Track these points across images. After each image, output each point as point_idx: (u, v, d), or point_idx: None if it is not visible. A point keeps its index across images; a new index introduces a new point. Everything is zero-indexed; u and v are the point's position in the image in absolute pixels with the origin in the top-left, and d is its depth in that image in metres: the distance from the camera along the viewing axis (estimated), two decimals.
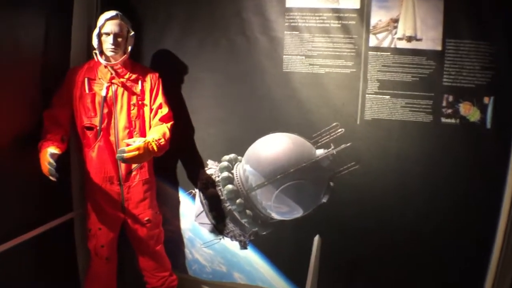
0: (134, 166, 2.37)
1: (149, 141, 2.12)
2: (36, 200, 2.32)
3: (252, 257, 2.62)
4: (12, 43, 2.09)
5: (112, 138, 2.30)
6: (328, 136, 2.29)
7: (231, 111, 2.49)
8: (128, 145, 2.12)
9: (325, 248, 2.43)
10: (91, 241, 2.44)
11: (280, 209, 2.38)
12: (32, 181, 2.10)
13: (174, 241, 2.78)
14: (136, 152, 2.03)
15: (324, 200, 2.34)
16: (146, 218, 2.43)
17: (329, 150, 2.28)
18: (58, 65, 2.42)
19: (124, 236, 2.59)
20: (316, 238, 2.40)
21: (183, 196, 2.72)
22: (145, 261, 2.56)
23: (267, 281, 2.62)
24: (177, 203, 2.74)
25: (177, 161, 2.69)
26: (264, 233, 2.51)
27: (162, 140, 2.20)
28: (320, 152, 2.30)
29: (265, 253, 2.58)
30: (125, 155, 2.01)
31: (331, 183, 2.33)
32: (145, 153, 2.08)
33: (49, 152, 2.02)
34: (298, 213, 2.38)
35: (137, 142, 2.10)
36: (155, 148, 2.13)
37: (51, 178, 2.01)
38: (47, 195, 2.37)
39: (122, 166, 2.35)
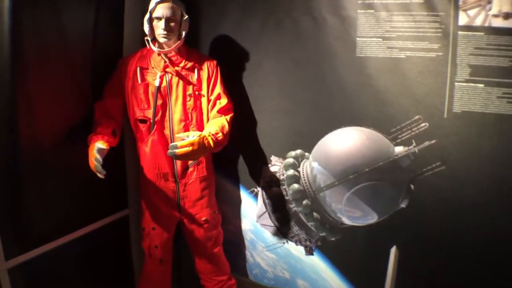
0: (190, 162, 2.31)
1: (204, 136, 2.03)
2: (90, 195, 2.33)
3: (318, 265, 2.50)
4: (60, 30, 2.07)
5: (166, 131, 2.25)
6: (409, 132, 2.08)
7: (298, 101, 2.36)
8: (181, 140, 2.03)
9: (403, 260, 2.23)
10: (145, 240, 2.42)
11: (351, 214, 2.23)
12: (86, 176, 2.05)
13: (235, 242, 2.73)
14: (190, 148, 1.94)
15: (403, 205, 2.15)
16: (204, 218, 2.38)
17: (410, 147, 2.08)
18: (110, 54, 2.40)
19: (181, 236, 2.56)
20: (393, 250, 2.21)
21: (244, 195, 2.63)
22: (202, 264, 2.52)
23: None
24: (238, 201, 2.67)
25: (238, 157, 2.61)
26: (333, 239, 2.38)
27: (220, 134, 2.10)
28: (399, 149, 2.11)
29: (333, 262, 2.45)
30: (177, 151, 1.92)
31: (412, 186, 2.12)
32: (200, 149, 1.98)
33: (97, 147, 2.00)
34: (372, 218, 2.22)
35: (191, 136, 2.00)
36: (211, 143, 2.03)
37: (98, 175, 1.97)
38: (102, 191, 2.38)
39: (178, 162, 2.29)
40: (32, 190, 2.03)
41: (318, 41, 2.26)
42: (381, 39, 2.10)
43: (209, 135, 2.05)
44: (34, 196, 2.05)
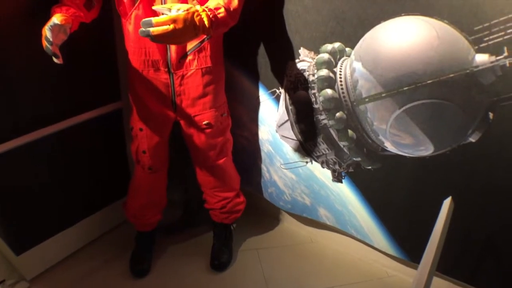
0: (190, 47, 1.78)
1: (196, 11, 1.44)
2: (73, 82, 2.01)
3: (347, 195, 2.07)
4: None
5: (157, 2, 1.68)
6: (501, 34, 1.41)
7: None
8: (161, 15, 1.49)
9: (458, 218, 1.69)
10: (133, 143, 2.04)
11: (398, 139, 1.72)
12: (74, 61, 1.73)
13: (249, 152, 2.34)
14: (170, 26, 1.37)
15: (473, 139, 1.58)
16: (205, 122, 1.93)
17: (498, 58, 1.43)
18: None
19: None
20: (447, 202, 1.66)
21: (264, 96, 2.14)
22: (203, 176, 2.15)
23: (362, 231, 2.09)
24: (256, 104, 2.19)
25: (258, 46, 2.06)
26: (370, 167, 1.90)
27: (222, 10, 1.53)
28: (482, 58, 1.46)
29: (365, 196, 2.01)
30: (152, 29, 1.35)
31: (490, 115, 1.53)
32: (186, 28, 1.41)
33: (51, 23, 1.49)
34: (426, 150, 1.69)
35: (174, 10, 1.44)
36: (206, 22, 1.46)
37: (54, 60, 1.50)
38: (88, 77, 2.07)
39: (172, 47, 1.77)
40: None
41: None
42: None
43: (203, 11, 1.47)
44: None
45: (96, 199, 2.40)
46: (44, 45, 1.49)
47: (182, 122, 1.96)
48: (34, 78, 1.86)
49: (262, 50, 2.04)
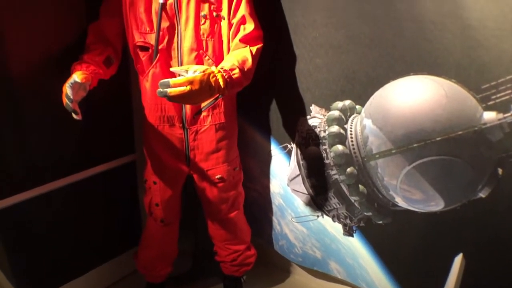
0: (204, 104, 1.82)
1: (212, 72, 1.49)
2: (90, 135, 2.06)
3: (358, 249, 2.04)
4: None
5: (173, 63, 1.76)
6: (509, 92, 1.44)
7: (352, 33, 1.75)
8: (178, 76, 1.53)
9: (470, 274, 1.68)
10: (146, 195, 2.05)
11: (409, 194, 1.71)
12: (91, 114, 1.76)
13: (261, 205, 2.34)
14: (187, 88, 1.40)
15: (483, 194, 1.57)
16: (218, 176, 1.94)
17: (506, 115, 1.46)
18: None
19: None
20: (458, 259, 1.66)
21: (276, 150, 2.16)
22: (215, 229, 2.14)
23: (373, 285, 2.05)
24: (267, 157, 2.21)
25: (271, 102, 2.10)
26: (381, 222, 1.89)
27: (237, 71, 1.57)
28: (490, 116, 1.49)
29: (376, 250, 1.98)
30: (170, 90, 1.39)
31: (499, 170, 1.53)
32: (203, 89, 1.45)
33: (72, 80, 1.56)
34: (437, 205, 1.68)
35: (191, 72, 1.48)
36: (221, 82, 1.50)
37: (73, 116, 1.56)
38: (104, 131, 2.12)
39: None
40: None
41: None
42: None
43: (219, 72, 1.51)
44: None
45: (107, 249, 2.38)
46: (64, 102, 1.55)
47: (195, 176, 1.98)
48: (50, 130, 1.89)
49: (274, 106, 2.08)
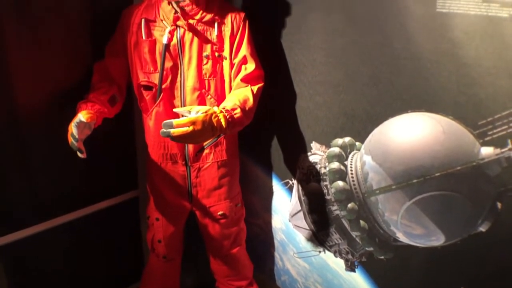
0: (206, 142, 1.86)
1: (214, 112, 1.52)
2: (92, 172, 2.06)
3: (360, 284, 2.02)
4: None
5: (176, 102, 1.80)
6: (505, 128, 1.47)
7: (351, 72, 1.79)
8: (181, 116, 1.56)
9: None
10: (149, 231, 2.07)
11: (410, 229, 1.71)
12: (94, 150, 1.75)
13: (263, 240, 2.34)
14: (190, 128, 1.43)
15: (483, 228, 1.58)
16: (220, 212, 1.96)
17: (503, 150, 1.48)
18: (114, 4, 1.96)
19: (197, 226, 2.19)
20: None
21: (277, 186, 2.17)
22: (217, 265, 2.14)
23: None
24: (269, 194, 2.21)
25: (272, 139, 2.12)
26: (382, 257, 1.87)
27: (238, 111, 1.61)
28: (487, 151, 1.51)
29: (379, 285, 1.96)
30: (173, 131, 1.42)
31: (498, 205, 1.55)
32: (205, 129, 1.48)
33: (77, 119, 1.59)
34: (437, 240, 1.68)
35: (194, 112, 1.51)
36: (223, 122, 1.53)
37: (78, 154, 1.59)
38: (107, 168, 2.14)
39: None
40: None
41: None
42: None
43: (221, 112, 1.55)
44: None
45: (109, 285, 2.38)
46: (70, 141, 1.58)
47: (197, 212, 2.00)
48: (54, 166, 1.92)
49: (275, 143, 2.10)
